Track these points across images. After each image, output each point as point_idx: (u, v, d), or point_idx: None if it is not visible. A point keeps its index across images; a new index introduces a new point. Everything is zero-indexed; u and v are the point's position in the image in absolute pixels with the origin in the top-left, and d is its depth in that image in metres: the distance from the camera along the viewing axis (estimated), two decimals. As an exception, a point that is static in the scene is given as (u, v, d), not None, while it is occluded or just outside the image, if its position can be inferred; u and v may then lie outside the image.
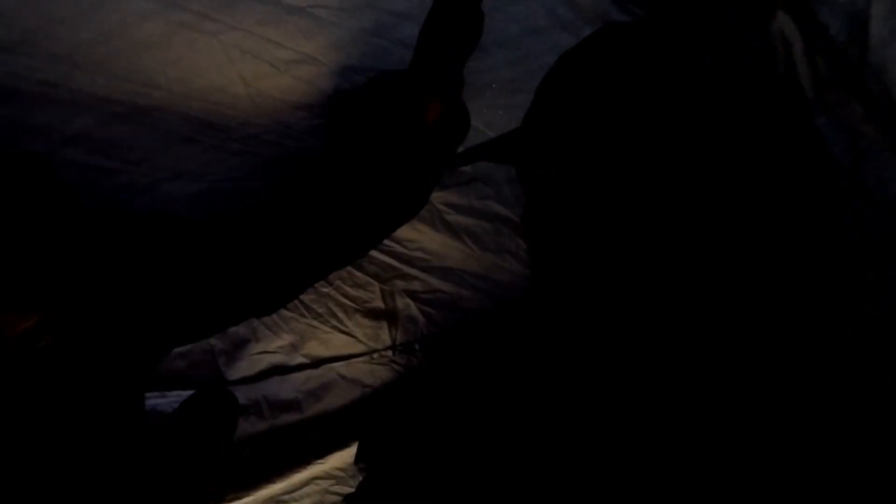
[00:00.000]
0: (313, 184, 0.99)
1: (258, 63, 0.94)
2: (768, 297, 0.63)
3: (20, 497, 0.82)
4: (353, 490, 1.57)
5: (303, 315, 1.58)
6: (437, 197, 1.42)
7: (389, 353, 1.68)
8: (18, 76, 0.86)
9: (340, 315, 1.62)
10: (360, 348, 1.66)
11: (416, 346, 1.70)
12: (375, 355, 1.68)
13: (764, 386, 0.58)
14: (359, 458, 1.39)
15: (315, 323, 1.60)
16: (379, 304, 1.64)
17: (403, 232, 1.45)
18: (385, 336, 1.67)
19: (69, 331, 0.86)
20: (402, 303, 1.65)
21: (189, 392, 1.39)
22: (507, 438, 0.75)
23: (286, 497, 1.57)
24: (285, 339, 1.59)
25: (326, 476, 1.60)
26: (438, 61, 0.94)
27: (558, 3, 0.95)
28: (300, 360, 1.61)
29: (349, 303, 1.61)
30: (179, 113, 0.99)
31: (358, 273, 1.58)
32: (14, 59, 0.83)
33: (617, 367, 0.66)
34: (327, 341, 1.63)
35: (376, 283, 1.61)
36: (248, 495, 1.50)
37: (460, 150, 1.08)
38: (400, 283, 1.61)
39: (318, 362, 1.63)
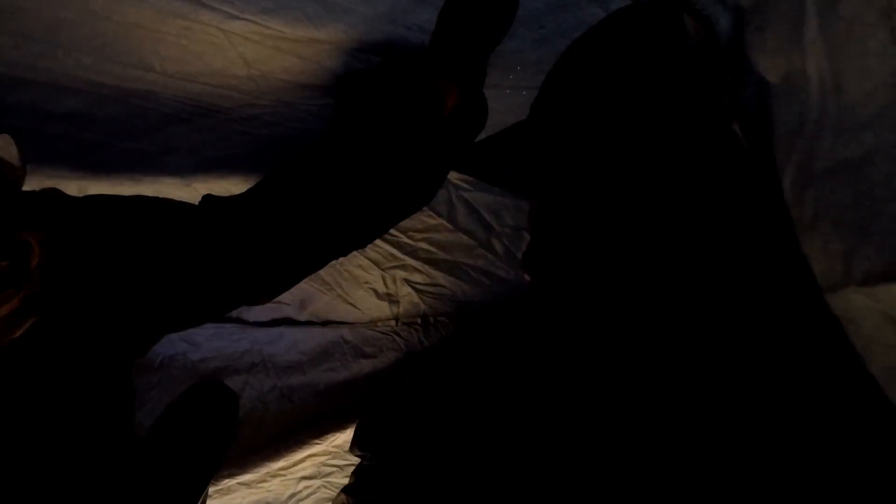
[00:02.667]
0: (316, 167, 0.93)
1: (261, 47, 0.86)
2: (774, 296, 0.62)
3: (9, 487, 0.80)
4: (348, 463, 1.59)
5: (310, 280, 1.55)
6: (454, 175, 1.39)
7: (392, 322, 1.68)
8: None
9: (346, 286, 1.61)
10: (363, 318, 1.66)
11: (419, 321, 1.68)
12: (379, 324, 1.67)
13: (765, 386, 0.59)
14: (355, 444, 1.40)
15: (322, 289, 1.59)
16: (381, 287, 1.63)
17: (409, 222, 1.41)
18: (388, 311, 1.66)
19: (55, 311, 0.82)
20: (404, 290, 1.64)
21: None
22: (504, 430, 0.78)
23: (283, 471, 1.59)
24: (295, 294, 1.58)
25: (323, 452, 1.62)
26: (458, 45, 0.88)
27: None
28: (307, 317, 1.61)
29: (353, 278, 1.58)
30: (174, 96, 0.93)
31: (360, 256, 1.56)
32: None
33: (617, 363, 0.67)
34: (333, 307, 1.62)
35: (378, 269, 1.58)
36: (245, 473, 1.51)
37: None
38: (401, 273, 1.59)
39: (324, 322, 1.63)
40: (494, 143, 1.09)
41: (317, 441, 1.55)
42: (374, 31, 0.88)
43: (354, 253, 1.52)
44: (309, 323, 1.61)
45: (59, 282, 0.81)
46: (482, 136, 1.09)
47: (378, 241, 1.47)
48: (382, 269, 1.57)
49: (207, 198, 0.94)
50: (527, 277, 0.90)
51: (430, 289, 1.61)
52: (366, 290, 1.60)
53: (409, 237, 1.48)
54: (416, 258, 1.52)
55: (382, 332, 1.68)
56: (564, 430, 0.69)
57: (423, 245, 1.50)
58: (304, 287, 1.56)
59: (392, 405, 1.37)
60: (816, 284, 0.59)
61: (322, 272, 1.54)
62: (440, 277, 1.57)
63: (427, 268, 1.55)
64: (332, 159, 0.92)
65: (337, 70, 0.96)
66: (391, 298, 1.62)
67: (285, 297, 1.51)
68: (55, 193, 0.86)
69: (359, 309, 1.63)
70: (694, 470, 0.59)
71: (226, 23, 0.80)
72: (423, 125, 0.91)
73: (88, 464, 0.87)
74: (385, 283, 1.60)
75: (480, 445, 0.82)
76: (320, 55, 0.92)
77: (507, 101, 1.06)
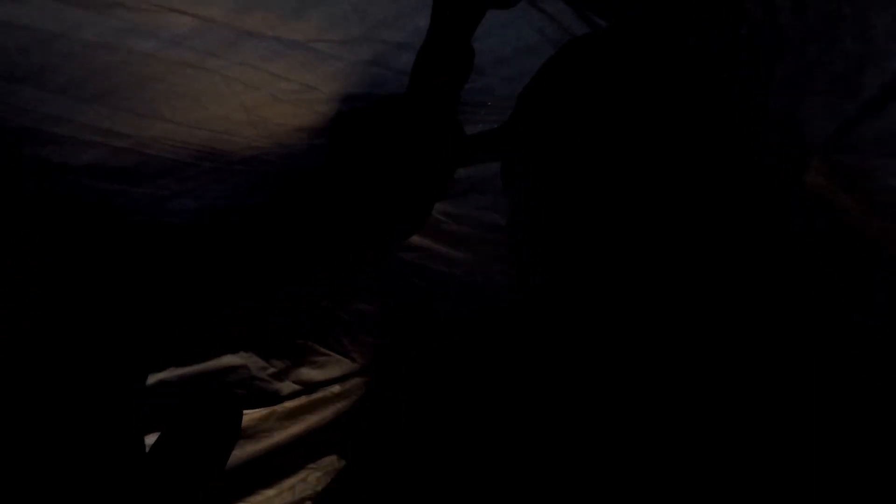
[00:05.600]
0: (313, 197, 1.03)
1: (260, 94, 0.98)
2: (771, 298, 0.64)
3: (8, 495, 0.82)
4: (350, 493, 1.56)
5: (298, 335, 1.59)
6: (435, 207, 1.41)
7: (387, 370, 1.69)
8: (24, 111, 0.90)
9: (338, 332, 1.63)
10: (356, 366, 1.66)
11: (415, 356, 1.70)
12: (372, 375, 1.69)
13: (765, 387, 0.59)
14: (358, 458, 1.41)
15: (310, 343, 1.60)
16: (378, 311, 1.66)
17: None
18: (383, 353, 1.68)
19: (51, 319, 0.85)
20: (402, 308, 1.66)
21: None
22: (506, 439, 0.77)
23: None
24: (276, 364, 1.57)
25: (321, 469, 1.61)
26: (433, 86, 0.97)
27: (546, 23, 1.00)
28: (292, 388, 1.59)
29: (347, 317, 1.62)
30: (183, 141, 1.04)
31: (359, 279, 1.61)
32: (22, 92, 0.88)
33: (610, 368, 0.67)
34: (322, 364, 1.63)
35: (377, 289, 1.63)
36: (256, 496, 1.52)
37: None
38: (401, 288, 1.63)
39: (310, 386, 1.61)
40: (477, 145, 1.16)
41: (311, 465, 1.57)
42: (359, 75, 1.00)
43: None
44: (292, 395, 1.57)
45: (63, 283, 0.85)
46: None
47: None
48: (383, 287, 1.62)
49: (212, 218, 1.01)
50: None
51: (433, 296, 1.63)
52: (361, 325, 1.63)
53: (403, 255, 1.54)
54: (412, 272, 1.58)
55: (377, 378, 1.68)
56: (564, 437, 0.68)
57: (421, 262, 1.56)
58: (289, 349, 1.57)
59: (393, 428, 1.37)
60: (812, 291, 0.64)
61: (312, 320, 1.59)
62: (439, 288, 1.60)
63: (422, 281, 1.59)
64: (325, 194, 1.01)
65: (327, 113, 1.07)
66: (389, 325, 1.65)
67: (263, 372, 1.52)
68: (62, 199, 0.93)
69: (352, 359, 1.64)
70: (692, 472, 0.59)
71: (229, 69, 0.91)
72: (404, 160, 1.00)
73: (90, 470, 0.89)
74: (383, 305, 1.65)
75: (481, 453, 0.82)
76: (312, 101, 1.04)
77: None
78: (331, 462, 1.59)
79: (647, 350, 0.64)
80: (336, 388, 1.65)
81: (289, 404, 1.58)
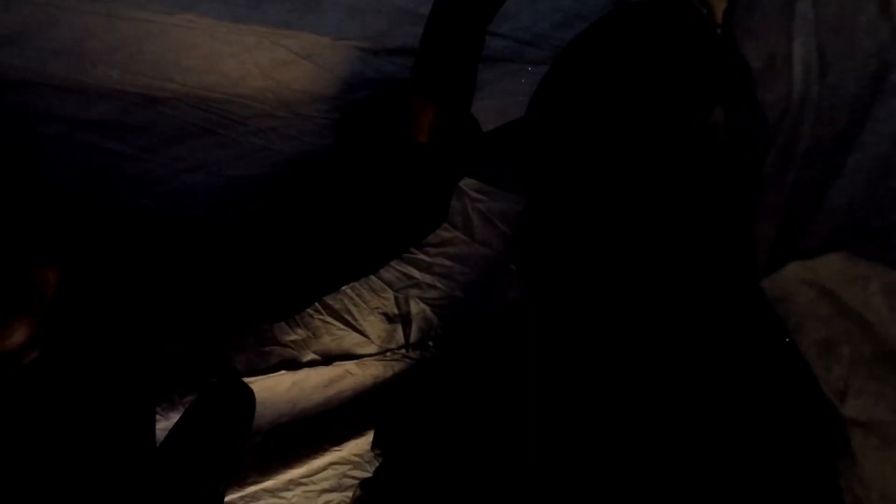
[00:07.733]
0: (325, 194, 0.98)
1: (276, 50, 0.91)
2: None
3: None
4: (369, 475, 1.59)
5: (318, 311, 1.58)
6: (469, 184, 1.40)
7: (403, 350, 1.67)
8: (29, 69, 0.85)
9: (355, 312, 1.61)
10: (372, 349, 1.65)
11: (430, 343, 1.69)
12: (388, 354, 1.67)
13: (758, 386, 0.59)
14: (375, 444, 1.41)
15: (329, 319, 1.59)
16: (393, 309, 1.63)
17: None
18: (399, 336, 1.66)
19: (58, 344, 0.83)
20: (417, 308, 1.63)
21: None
22: (512, 430, 0.79)
23: (305, 480, 1.61)
24: (299, 333, 1.59)
25: (344, 461, 1.64)
26: (435, 78, 0.90)
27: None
28: (311, 356, 1.60)
29: (364, 304, 1.60)
30: (196, 105, 0.97)
31: (373, 278, 1.57)
32: (21, 52, 0.83)
33: (612, 366, 0.67)
34: (340, 338, 1.62)
35: (391, 291, 1.60)
36: (269, 479, 1.54)
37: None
38: (415, 291, 1.60)
39: (329, 359, 1.62)
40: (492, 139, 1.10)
41: (336, 448, 1.56)
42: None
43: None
44: (311, 363, 1.60)
45: (70, 309, 0.82)
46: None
47: (393, 262, 1.49)
48: (396, 290, 1.58)
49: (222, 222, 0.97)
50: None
51: (446, 302, 1.60)
52: (377, 315, 1.61)
53: (425, 253, 1.49)
54: (432, 273, 1.53)
55: (393, 360, 1.68)
56: (566, 432, 0.69)
57: (440, 260, 1.51)
58: (310, 321, 1.59)
59: (408, 407, 1.38)
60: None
61: (330, 299, 1.58)
62: (457, 292, 1.57)
63: (442, 283, 1.55)
64: (336, 191, 0.96)
65: (350, 79, 0.99)
66: (403, 319, 1.63)
67: (285, 338, 1.57)
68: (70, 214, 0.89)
69: (368, 338, 1.64)
70: (689, 468, 0.59)
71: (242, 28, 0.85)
72: (399, 155, 0.94)
73: (105, 478, 0.87)
74: (398, 305, 1.61)
75: (490, 446, 0.82)
76: (332, 62, 0.96)
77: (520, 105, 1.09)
78: (355, 445, 1.61)
79: (645, 349, 0.65)
80: (353, 368, 1.65)
81: (312, 380, 1.60)
